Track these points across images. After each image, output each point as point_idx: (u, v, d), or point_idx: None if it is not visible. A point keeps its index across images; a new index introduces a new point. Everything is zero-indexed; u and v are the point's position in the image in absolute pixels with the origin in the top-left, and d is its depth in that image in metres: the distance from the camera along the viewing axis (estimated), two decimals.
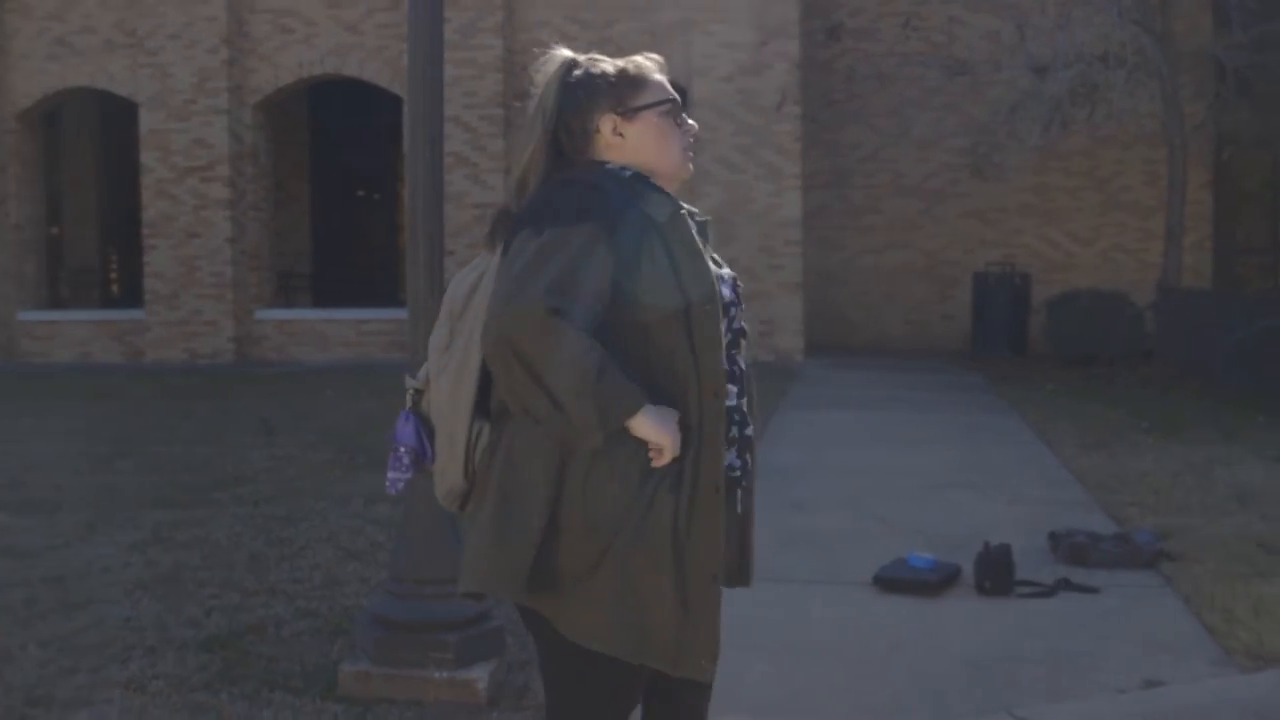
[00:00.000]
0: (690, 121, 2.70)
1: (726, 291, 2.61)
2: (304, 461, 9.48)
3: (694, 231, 2.54)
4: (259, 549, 6.60)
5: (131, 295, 21.60)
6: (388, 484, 2.71)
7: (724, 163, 17.25)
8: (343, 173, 22.24)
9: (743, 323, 2.66)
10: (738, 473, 2.60)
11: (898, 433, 10.80)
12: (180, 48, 18.80)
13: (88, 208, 23.15)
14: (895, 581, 5.74)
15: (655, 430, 2.39)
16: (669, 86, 2.66)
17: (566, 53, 2.65)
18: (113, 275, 23.50)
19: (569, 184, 2.49)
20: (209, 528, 7.11)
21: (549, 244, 2.37)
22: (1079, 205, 19.58)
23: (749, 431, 2.62)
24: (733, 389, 2.57)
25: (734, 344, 2.61)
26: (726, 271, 2.66)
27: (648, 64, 2.68)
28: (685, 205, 2.60)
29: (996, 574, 5.69)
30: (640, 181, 2.56)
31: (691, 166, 2.69)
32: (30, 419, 12.23)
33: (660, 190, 2.57)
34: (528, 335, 2.31)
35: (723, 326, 2.53)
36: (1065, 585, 5.74)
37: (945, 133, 19.25)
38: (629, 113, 2.60)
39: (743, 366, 2.63)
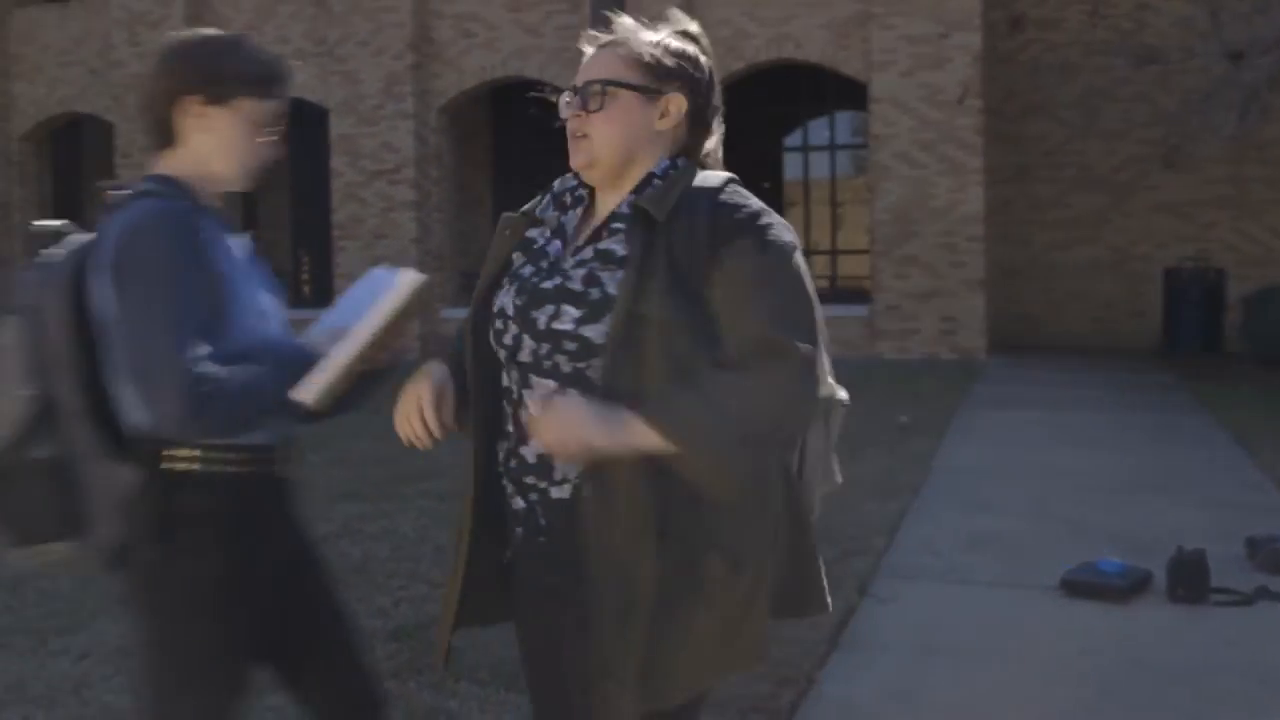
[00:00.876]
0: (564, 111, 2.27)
1: (504, 301, 2.30)
2: None
3: (508, 236, 2.35)
4: (444, 542, 6.74)
5: (322, 295, 22.31)
6: None
7: (904, 158, 17.03)
8: (524, 174, 22.58)
9: (534, 344, 2.22)
10: (518, 499, 2.31)
11: (1085, 433, 10.51)
12: (368, 55, 19.37)
13: (280, 212, 23.99)
14: (1083, 586, 5.59)
15: None
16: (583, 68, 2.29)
17: None
18: (304, 276, 24.30)
19: None
20: (396, 521, 7.31)
21: None
22: (1279, 197, 18.78)
23: (513, 463, 2.27)
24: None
25: (511, 361, 2.28)
26: (559, 280, 2.21)
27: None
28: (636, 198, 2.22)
29: (1190, 581, 5.50)
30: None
31: (577, 159, 2.25)
32: None
33: (547, 193, 2.40)
34: None
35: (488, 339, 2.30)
36: (1264, 594, 5.51)
37: (1134, 123, 18.66)
38: None
39: (517, 394, 2.26)
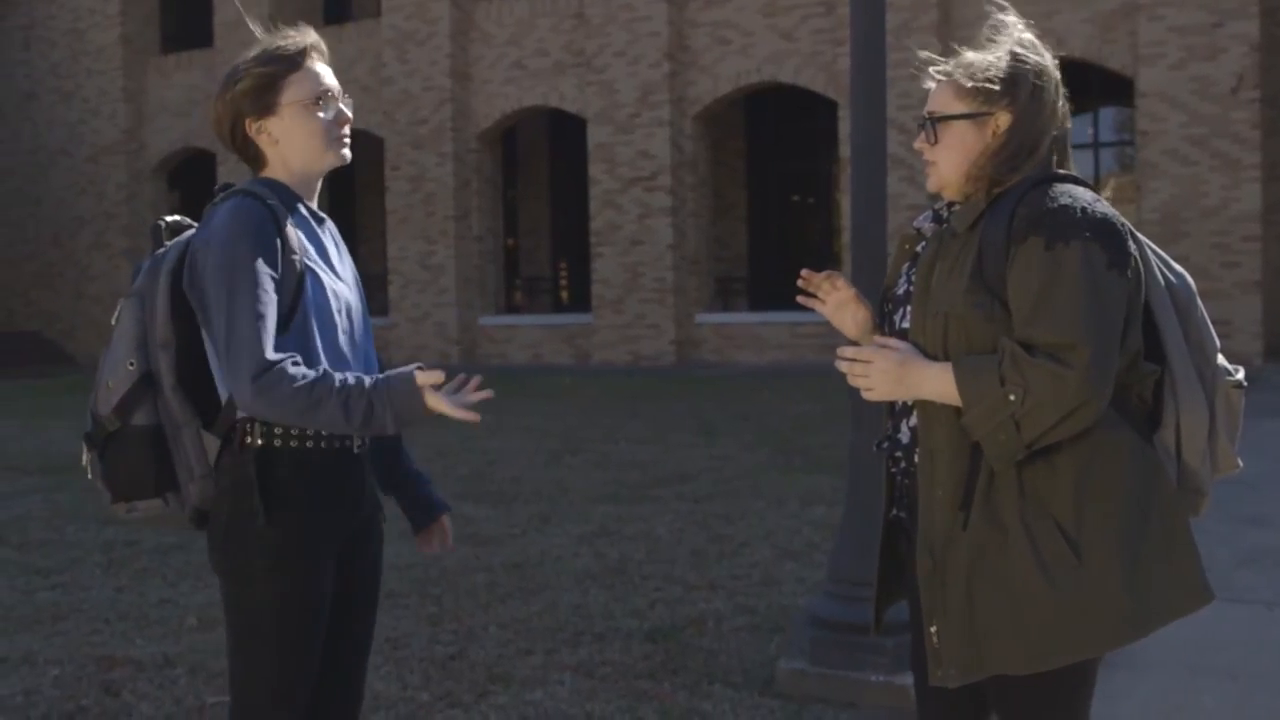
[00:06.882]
0: (917, 143, 2.51)
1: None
2: (742, 461, 9.74)
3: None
4: (699, 545, 6.84)
5: (580, 300, 22.83)
6: None
7: (1174, 155, 16.34)
8: (778, 178, 22.62)
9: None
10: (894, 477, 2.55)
11: None
12: (625, 64, 19.73)
13: (540, 219, 24.64)
14: None
15: None
16: None
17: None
18: (563, 282, 24.90)
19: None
20: (652, 523, 7.44)
21: None
22: None
23: (885, 444, 2.51)
24: None
25: None
26: None
27: None
28: None
29: None
30: None
31: (930, 182, 2.49)
32: (490, 416, 13.12)
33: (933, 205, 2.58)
34: None
35: None
36: None
37: None
38: None
39: None
